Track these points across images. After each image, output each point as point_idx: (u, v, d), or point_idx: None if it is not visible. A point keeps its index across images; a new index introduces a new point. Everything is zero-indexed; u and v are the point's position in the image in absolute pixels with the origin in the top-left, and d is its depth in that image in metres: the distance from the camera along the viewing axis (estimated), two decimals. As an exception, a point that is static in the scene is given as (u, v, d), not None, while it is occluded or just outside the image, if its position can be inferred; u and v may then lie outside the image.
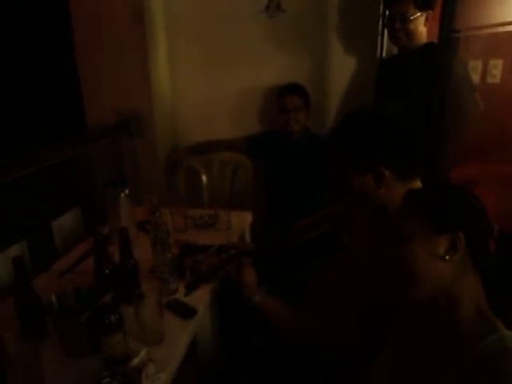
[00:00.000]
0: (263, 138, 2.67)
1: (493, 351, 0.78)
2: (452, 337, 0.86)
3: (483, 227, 0.88)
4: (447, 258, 0.86)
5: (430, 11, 2.14)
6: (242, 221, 2.12)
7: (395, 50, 2.37)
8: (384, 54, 2.44)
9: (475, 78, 2.53)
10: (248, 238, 2.20)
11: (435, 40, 2.22)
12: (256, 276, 1.40)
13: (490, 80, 2.58)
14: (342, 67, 2.51)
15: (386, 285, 1.01)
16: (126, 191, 1.83)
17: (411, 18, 2.09)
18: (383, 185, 1.18)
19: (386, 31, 2.33)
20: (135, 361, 1.18)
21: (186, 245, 1.79)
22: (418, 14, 2.09)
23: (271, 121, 2.65)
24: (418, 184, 1.22)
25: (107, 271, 1.38)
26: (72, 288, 1.32)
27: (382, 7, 2.30)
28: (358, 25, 2.44)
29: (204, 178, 2.71)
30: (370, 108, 1.47)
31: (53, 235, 2.06)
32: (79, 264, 1.75)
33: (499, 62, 2.54)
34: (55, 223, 2.09)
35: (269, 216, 2.56)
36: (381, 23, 2.34)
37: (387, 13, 2.22)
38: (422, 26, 2.14)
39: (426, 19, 2.15)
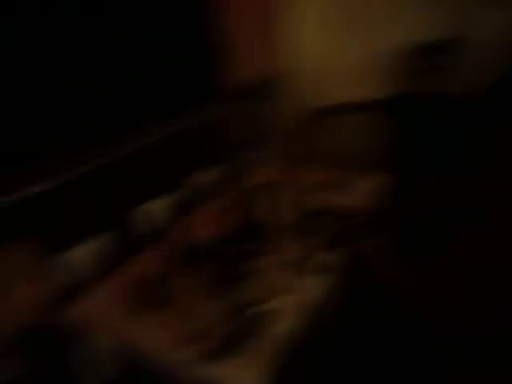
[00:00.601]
0: (400, 100, 2.52)
1: None
2: None
3: None
4: None
5: None
6: (371, 183, 2.12)
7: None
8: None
9: None
10: (378, 201, 2.16)
11: None
12: (385, 243, 1.38)
13: None
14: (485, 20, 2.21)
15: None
16: (262, 153, 1.90)
17: None
18: None
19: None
20: (264, 307, 1.29)
21: (315, 205, 1.81)
22: None
23: (408, 82, 2.48)
24: None
25: (242, 224, 1.49)
26: (209, 236, 1.44)
27: None
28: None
29: (336, 138, 2.67)
30: None
31: (194, 190, 2.27)
32: (217, 216, 1.90)
33: None
34: (197, 179, 2.28)
35: (401, 180, 2.45)
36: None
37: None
38: None
39: None
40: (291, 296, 1.35)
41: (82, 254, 1.67)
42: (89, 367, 1.42)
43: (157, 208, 1.80)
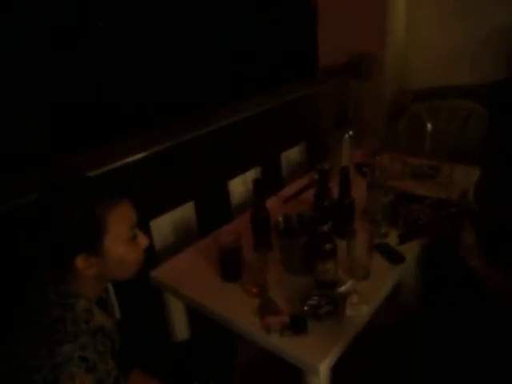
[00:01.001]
0: (507, 86, 2.32)
1: None
2: None
3: None
4: None
5: None
6: (466, 176, 1.98)
7: None
8: None
9: None
10: (471, 197, 2.04)
11: None
12: (476, 239, 1.32)
13: None
14: None
15: None
16: (350, 132, 1.90)
17: None
18: None
19: None
20: (342, 288, 1.30)
21: (402, 192, 1.77)
22: None
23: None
24: None
25: (326, 204, 1.50)
26: (296, 212, 1.49)
27: None
28: None
29: (429, 125, 2.55)
30: None
31: (281, 165, 2.32)
32: (301, 194, 1.94)
33: None
34: (284, 155, 2.33)
35: (500, 175, 2.28)
36: None
37: None
38: None
39: None
40: (371, 280, 1.32)
41: (172, 220, 1.79)
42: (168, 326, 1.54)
43: (248, 180, 1.87)
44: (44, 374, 0.83)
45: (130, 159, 1.56)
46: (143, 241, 0.98)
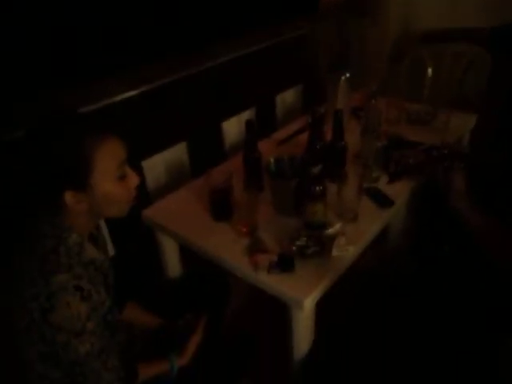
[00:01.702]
0: (510, 31, 2.22)
1: None
2: None
3: None
4: None
5: None
6: (462, 123, 1.96)
7: None
8: None
9: None
10: (466, 144, 2.03)
11: None
12: (465, 183, 1.32)
13: None
14: None
15: None
16: (347, 75, 1.85)
17: None
18: None
19: None
20: (330, 230, 1.33)
21: (396, 138, 1.76)
22: None
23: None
24: None
25: (319, 147, 1.49)
26: (288, 155, 1.48)
27: None
28: None
29: (430, 70, 2.48)
30: None
31: (276, 107, 2.28)
32: (295, 136, 1.92)
33: None
34: (279, 97, 2.29)
35: (498, 124, 2.24)
36: None
37: None
38: None
39: None
40: (360, 223, 1.34)
41: (164, 160, 1.78)
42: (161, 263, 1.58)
43: (242, 121, 1.85)
44: (41, 302, 0.87)
45: (120, 97, 1.52)
46: (133, 179, 0.97)
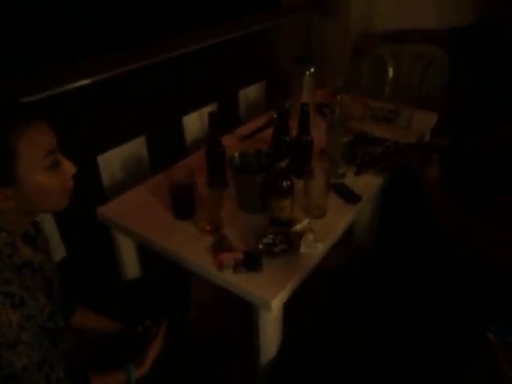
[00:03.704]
0: (469, 32, 2.28)
1: None
2: None
3: None
4: None
5: None
6: (424, 121, 1.98)
7: None
8: None
9: None
10: (427, 137, 2.05)
11: None
12: (441, 175, 1.31)
13: None
14: None
15: None
16: (312, 70, 1.81)
17: None
18: None
19: None
20: (298, 227, 1.27)
21: (361, 134, 1.74)
22: None
23: (484, 10, 2.23)
24: None
25: (284, 142, 1.43)
26: (253, 149, 1.42)
27: None
28: None
29: (391, 70, 2.51)
30: None
31: (238, 103, 2.21)
32: (259, 132, 1.86)
33: None
34: (242, 92, 2.22)
35: (457, 123, 2.29)
36: None
37: None
38: None
39: None
40: (327, 219, 1.30)
41: (122, 155, 1.68)
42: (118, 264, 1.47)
43: (204, 116, 1.77)
44: None
45: (74, 85, 1.40)
46: (68, 167, 0.88)
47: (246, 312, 1.18)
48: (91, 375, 0.98)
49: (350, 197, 1.42)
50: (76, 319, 1.14)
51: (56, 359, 0.90)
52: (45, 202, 0.89)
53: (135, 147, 1.75)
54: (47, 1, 1.43)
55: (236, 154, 1.40)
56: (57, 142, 0.88)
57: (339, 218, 1.35)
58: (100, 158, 1.63)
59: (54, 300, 0.95)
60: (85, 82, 1.44)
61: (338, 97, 1.68)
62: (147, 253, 1.36)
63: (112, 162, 1.68)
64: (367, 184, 1.50)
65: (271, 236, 1.23)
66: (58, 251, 1.59)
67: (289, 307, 1.17)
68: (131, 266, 1.52)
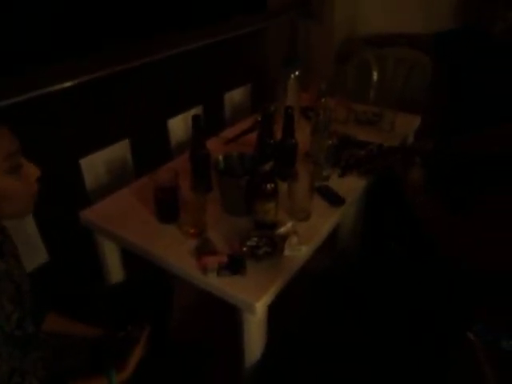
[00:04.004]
0: (453, 36, 2.31)
1: None
2: None
3: None
4: None
5: None
6: (407, 124, 2.00)
7: None
8: None
9: None
10: (411, 139, 2.07)
11: None
12: (424, 178, 1.33)
13: None
14: None
15: None
16: (297, 73, 1.82)
17: None
18: None
19: None
20: (282, 229, 1.27)
21: (345, 137, 1.75)
22: None
23: (467, 15, 2.27)
24: None
25: (268, 145, 1.43)
26: (237, 152, 1.42)
27: None
28: None
29: (375, 73, 2.54)
30: None
31: (224, 106, 2.21)
32: (244, 135, 1.87)
33: None
34: (227, 95, 2.22)
35: (441, 126, 2.32)
36: None
37: None
38: None
39: None
40: (311, 222, 1.30)
41: (105, 159, 1.66)
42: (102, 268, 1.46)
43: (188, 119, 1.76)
44: None
45: (56, 87, 1.38)
46: (31, 170, 0.86)
47: (230, 315, 1.18)
48: (71, 381, 0.96)
49: (334, 199, 1.42)
50: (47, 325, 1.11)
51: (28, 368, 0.88)
52: (7, 208, 0.87)
53: (119, 150, 1.74)
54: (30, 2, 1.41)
55: (220, 157, 1.39)
56: (18, 145, 0.85)
57: (323, 221, 1.35)
58: (83, 161, 1.62)
59: (22, 306, 0.92)
60: (68, 83, 1.43)
61: (323, 100, 1.68)
62: (131, 256, 1.34)
63: (96, 164, 1.66)
64: (351, 186, 1.51)
65: (255, 239, 1.23)
66: (40, 255, 1.57)
67: (273, 310, 1.16)
68: (115, 269, 1.51)
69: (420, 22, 2.43)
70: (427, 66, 2.42)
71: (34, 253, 1.54)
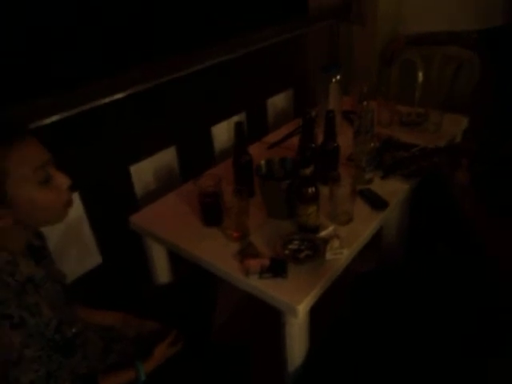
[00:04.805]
0: (503, 33, 2.22)
1: None
2: None
3: None
4: None
5: None
6: (454, 125, 1.94)
7: None
8: None
9: None
10: (458, 141, 2.01)
11: None
12: (469, 180, 1.29)
13: None
14: None
15: None
16: (338, 77, 1.83)
17: None
18: None
19: None
20: (323, 233, 1.29)
21: (389, 139, 1.73)
22: None
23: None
24: None
25: (310, 149, 1.45)
26: (279, 157, 1.45)
27: None
28: None
29: (420, 74, 2.48)
30: None
31: (266, 112, 2.25)
32: (286, 140, 1.89)
33: None
34: (270, 101, 2.26)
35: (488, 127, 2.24)
36: None
37: None
38: None
39: None
40: (353, 225, 1.32)
41: (153, 165, 1.74)
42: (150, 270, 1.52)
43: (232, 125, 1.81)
44: None
45: (107, 100, 1.47)
46: (61, 179, 0.89)
47: (273, 318, 1.20)
48: (101, 376, 1.02)
49: (376, 203, 1.42)
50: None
51: (66, 370, 0.93)
52: (41, 217, 0.92)
53: (166, 157, 1.82)
54: (81, 20, 1.51)
55: (262, 162, 1.43)
56: (49, 157, 0.90)
57: (366, 225, 1.35)
58: (133, 168, 1.70)
59: (60, 310, 0.97)
60: (119, 95, 1.51)
61: (364, 103, 1.67)
62: (178, 258, 1.40)
63: (144, 171, 1.74)
64: (394, 189, 1.50)
65: (297, 242, 1.25)
66: (94, 258, 1.66)
67: (315, 312, 1.17)
68: (162, 271, 1.57)
69: (466, 20, 2.35)
70: (475, 64, 2.33)
71: (89, 256, 1.64)
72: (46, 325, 0.89)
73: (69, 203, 0.94)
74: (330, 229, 1.28)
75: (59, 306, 0.96)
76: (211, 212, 1.36)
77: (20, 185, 0.82)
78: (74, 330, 0.98)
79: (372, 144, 1.48)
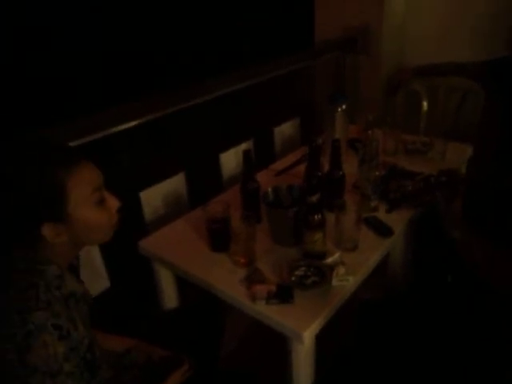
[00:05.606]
0: (508, 64, 2.26)
1: None
2: None
3: None
4: None
5: None
6: (458, 154, 1.97)
7: None
8: None
9: None
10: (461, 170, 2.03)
11: None
12: (462, 210, 1.32)
13: None
14: None
15: None
16: (344, 106, 1.87)
17: None
18: None
19: None
20: (330, 260, 1.31)
21: (394, 167, 1.77)
22: None
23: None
24: None
25: (317, 177, 1.49)
26: (286, 184, 1.48)
27: None
28: None
29: (425, 103, 2.53)
30: None
31: (274, 140, 2.30)
32: (293, 167, 1.93)
33: None
34: (277, 129, 2.31)
35: (493, 157, 2.25)
36: None
37: None
38: None
39: None
40: (359, 252, 1.33)
41: (163, 191, 1.78)
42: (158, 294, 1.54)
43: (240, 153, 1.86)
44: (17, 343, 0.79)
45: (118, 128, 1.53)
46: (113, 202, 0.93)
47: (280, 345, 1.20)
48: None
49: (382, 230, 1.44)
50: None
51: None
52: (93, 236, 0.97)
53: (175, 183, 1.86)
54: (94, 51, 1.58)
55: (269, 190, 1.46)
56: (103, 180, 0.95)
57: (371, 252, 1.37)
58: (143, 194, 1.74)
59: (90, 330, 0.98)
60: (131, 124, 1.56)
61: (369, 132, 1.71)
62: (185, 283, 1.42)
63: (154, 197, 1.78)
64: (400, 217, 1.52)
65: (303, 268, 1.27)
66: (103, 282, 1.69)
67: (321, 339, 1.18)
68: (170, 296, 1.59)
69: (470, 50, 2.41)
70: (480, 94, 2.38)
71: (98, 280, 1.67)
72: (80, 342, 0.90)
73: (117, 225, 0.99)
74: (336, 255, 1.30)
75: (87, 326, 0.97)
76: (219, 238, 1.39)
77: (79, 204, 0.86)
78: (97, 353, 0.98)
79: (377, 172, 1.51)
